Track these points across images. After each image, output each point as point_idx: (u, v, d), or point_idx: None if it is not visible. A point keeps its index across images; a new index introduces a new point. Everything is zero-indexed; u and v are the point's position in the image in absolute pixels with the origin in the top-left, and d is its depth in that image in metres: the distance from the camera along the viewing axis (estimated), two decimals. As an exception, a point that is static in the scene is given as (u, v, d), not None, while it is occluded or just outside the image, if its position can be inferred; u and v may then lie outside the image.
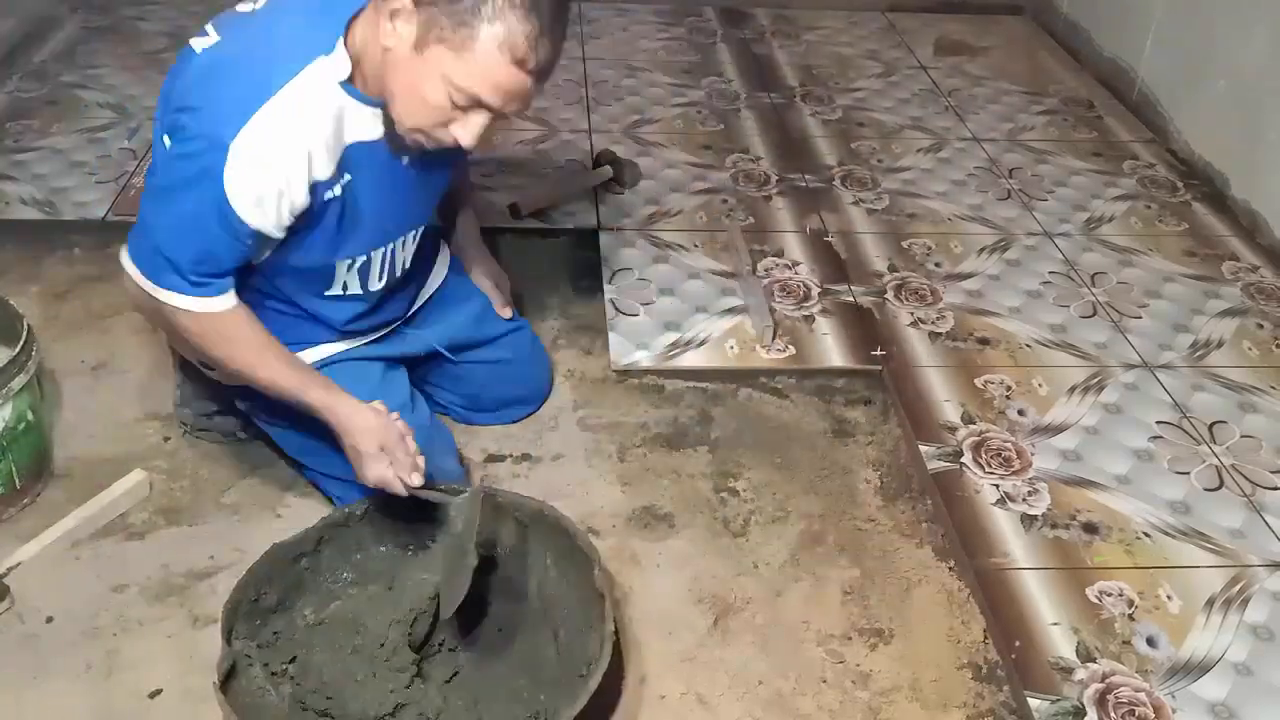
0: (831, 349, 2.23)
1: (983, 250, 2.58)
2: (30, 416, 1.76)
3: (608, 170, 2.73)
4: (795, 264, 2.49)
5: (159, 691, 1.53)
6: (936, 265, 2.51)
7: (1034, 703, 1.56)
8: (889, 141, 3.06)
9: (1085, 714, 1.55)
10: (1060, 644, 1.64)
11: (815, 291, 2.40)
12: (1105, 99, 3.35)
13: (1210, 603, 1.71)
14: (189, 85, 1.45)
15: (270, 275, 1.60)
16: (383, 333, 1.82)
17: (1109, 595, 1.72)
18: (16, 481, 1.77)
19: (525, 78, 1.40)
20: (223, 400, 1.90)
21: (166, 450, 1.93)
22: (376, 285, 1.70)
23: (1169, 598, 1.72)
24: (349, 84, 1.45)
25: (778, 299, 2.36)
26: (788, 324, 2.29)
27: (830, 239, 2.59)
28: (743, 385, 2.15)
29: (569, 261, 2.48)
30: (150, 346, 2.12)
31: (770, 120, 3.15)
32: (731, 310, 2.32)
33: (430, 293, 1.90)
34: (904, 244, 2.59)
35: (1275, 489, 1.93)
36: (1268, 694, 1.58)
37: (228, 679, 1.37)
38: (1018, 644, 1.64)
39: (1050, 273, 2.50)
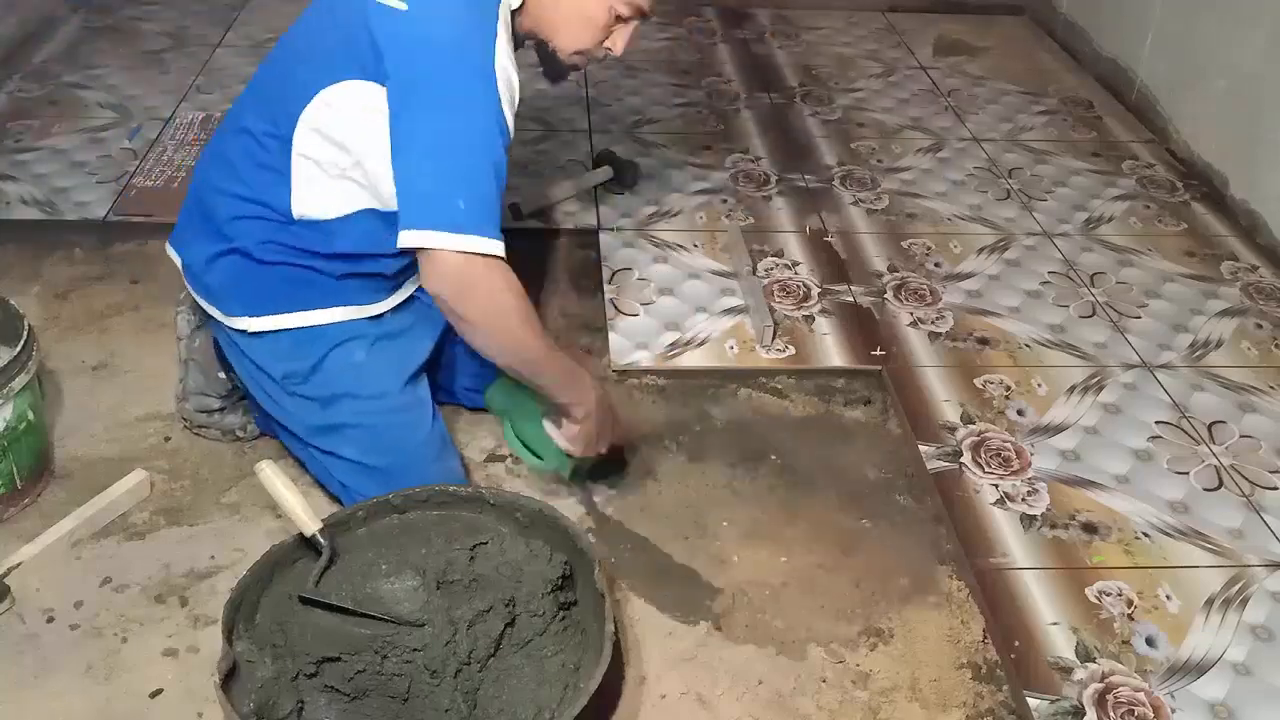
0: (831, 349, 2.23)
1: (982, 250, 2.58)
2: (31, 416, 1.76)
3: (608, 170, 2.73)
4: (795, 264, 2.49)
5: (160, 691, 1.53)
6: (936, 265, 2.52)
7: (1033, 702, 1.56)
8: (889, 142, 3.06)
9: (1084, 714, 1.55)
10: (1059, 644, 1.64)
11: (815, 291, 2.40)
12: (1104, 99, 3.35)
13: (1209, 603, 1.72)
14: (419, 28, 1.50)
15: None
16: (407, 293, 1.83)
17: (1108, 595, 1.72)
18: (17, 481, 1.77)
19: None
20: (226, 397, 1.91)
21: (167, 450, 1.93)
22: None
23: (1168, 598, 1.72)
24: (517, 14, 1.61)
25: (777, 299, 2.36)
26: (787, 324, 2.29)
27: (830, 239, 2.59)
28: (743, 385, 2.15)
29: (569, 261, 2.48)
30: (151, 346, 2.12)
31: (770, 120, 3.15)
32: (731, 310, 2.32)
33: None
34: (904, 244, 2.59)
35: (1274, 489, 1.94)
36: (1267, 694, 1.58)
37: (228, 678, 1.37)
38: (1017, 644, 1.64)
39: (1050, 273, 2.51)
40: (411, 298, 1.85)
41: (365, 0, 1.52)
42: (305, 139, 1.60)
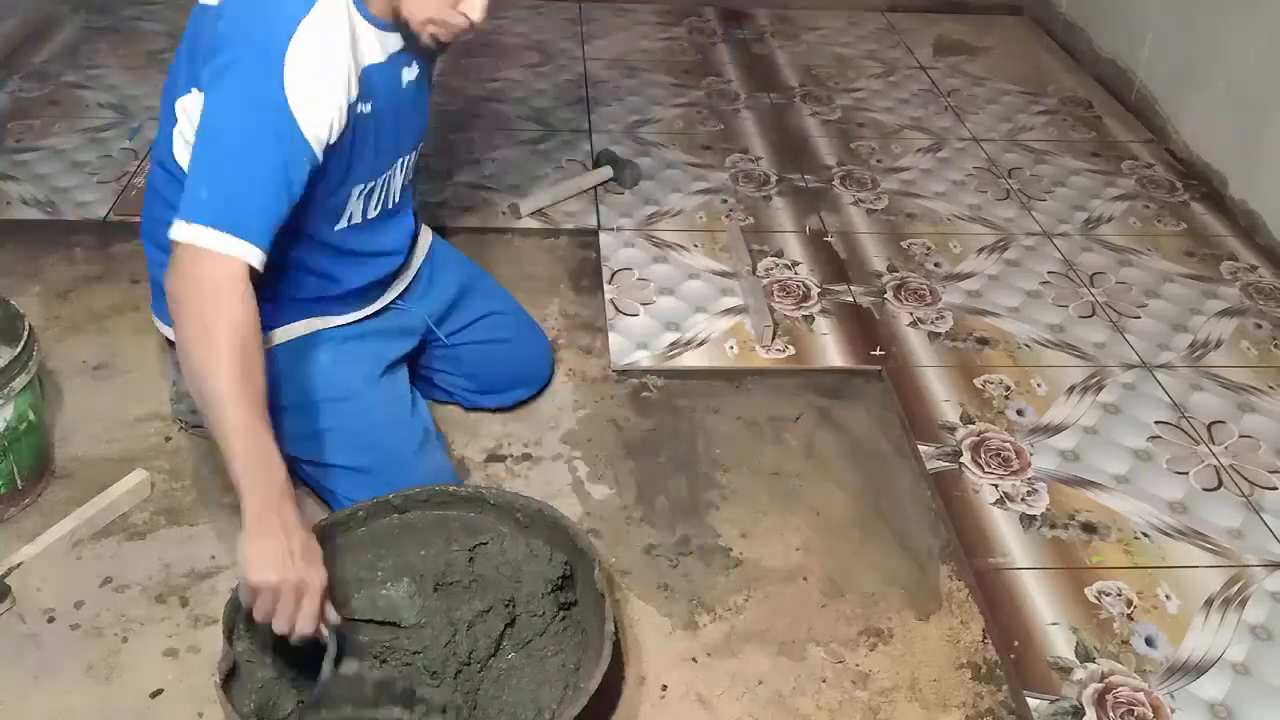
0: (831, 349, 2.24)
1: (982, 250, 2.58)
2: (31, 416, 1.76)
3: (608, 170, 2.73)
4: (795, 264, 2.49)
5: (160, 691, 1.53)
6: (936, 265, 2.52)
7: (1033, 702, 1.56)
8: (888, 141, 3.06)
9: (1084, 714, 1.55)
10: (1059, 644, 1.65)
11: (815, 291, 2.40)
12: (1104, 99, 3.35)
13: (1209, 603, 1.72)
14: (224, 24, 1.44)
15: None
16: (380, 304, 1.82)
17: (1108, 595, 1.73)
18: (18, 481, 1.77)
19: None
20: None
21: (168, 450, 1.93)
22: (373, 213, 1.70)
23: (1167, 597, 1.73)
24: (360, 4, 1.49)
25: (777, 299, 2.36)
26: (787, 324, 2.29)
27: (830, 239, 2.60)
28: (742, 385, 2.15)
29: (569, 261, 2.49)
30: (151, 346, 2.13)
31: (770, 120, 3.15)
32: (731, 310, 2.32)
33: (420, 259, 1.91)
34: (903, 244, 2.59)
35: (1273, 489, 1.94)
36: (1266, 694, 1.58)
37: (229, 678, 1.37)
38: (1016, 644, 1.64)
39: (1049, 273, 2.51)
40: (388, 306, 1.84)
41: (195, 8, 1.53)
42: (181, 157, 1.59)
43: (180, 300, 1.37)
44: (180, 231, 1.37)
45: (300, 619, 1.30)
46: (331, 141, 1.48)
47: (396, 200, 1.76)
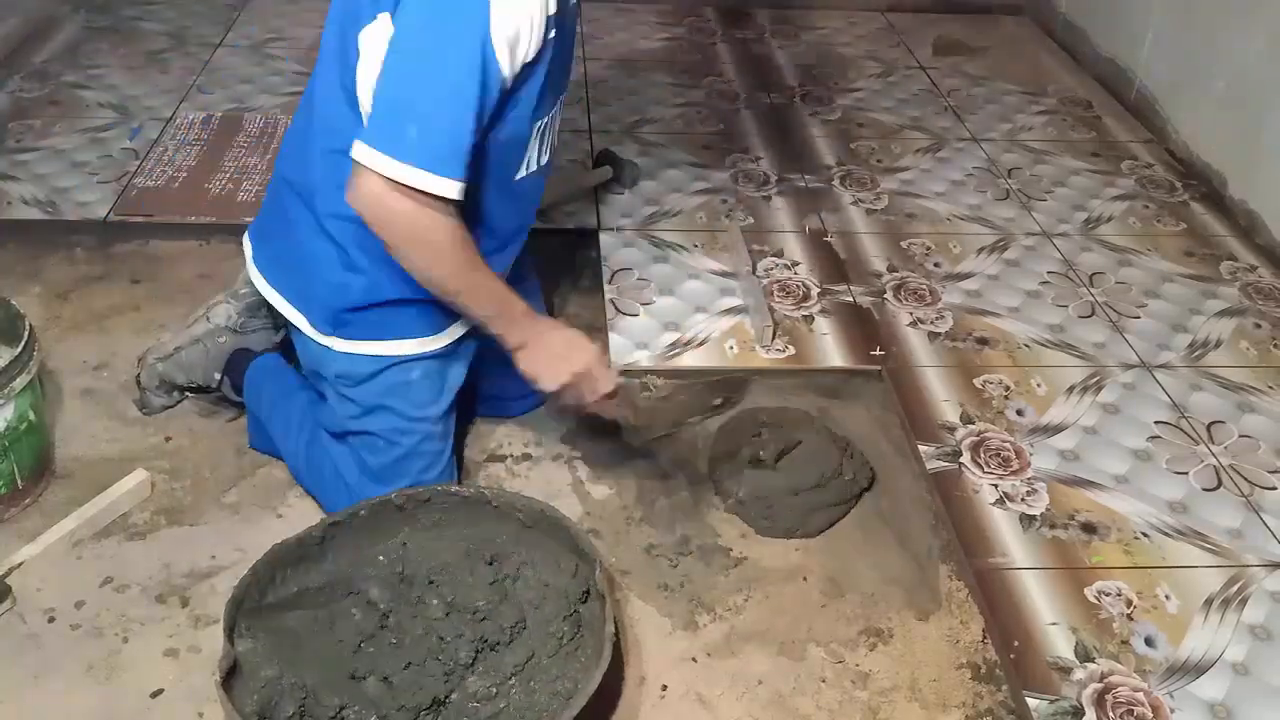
0: (831, 349, 2.24)
1: (981, 250, 2.58)
2: (32, 416, 1.77)
3: (608, 170, 2.73)
4: (795, 264, 2.49)
5: (160, 691, 1.53)
6: (935, 265, 2.52)
7: (1032, 702, 1.56)
8: (888, 142, 3.06)
9: (1084, 714, 1.55)
10: (1059, 644, 1.65)
11: (815, 291, 2.40)
12: (1103, 99, 3.35)
13: (1208, 602, 1.72)
14: None
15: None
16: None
17: (1107, 595, 1.73)
18: (18, 481, 1.77)
19: None
20: (193, 389, 1.97)
21: (168, 450, 1.93)
22: (544, 159, 1.68)
23: (1167, 597, 1.73)
24: None
25: (777, 299, 2.36)
26: (787, 324, 2.29)
27: (830, 239, 2.60)
28: (742, 385, 2.15)
29: (569, 261, 2.49)
30: (157, 340, 2.13)
31: (770, 120, 3.15)
32: (731, 310, 2.32)
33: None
34: (903, 244, 2.60)
35: (1273, 489, 1.94)
36: (1266, 694, 1.59)
37: (229, 677, 1.37)
38: (1016, 644, 1.64)
39: (1049, 273, 2.51)
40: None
41: None
42: (366, 93, 1.51)
43: (394, 229, 1.45)
44: (385, 166, 1.39)
45: (601, 388, 1.66)
46: (527, 60, 1.45)
47: (549, 154, 1.71)
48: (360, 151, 1.40)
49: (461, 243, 1.49)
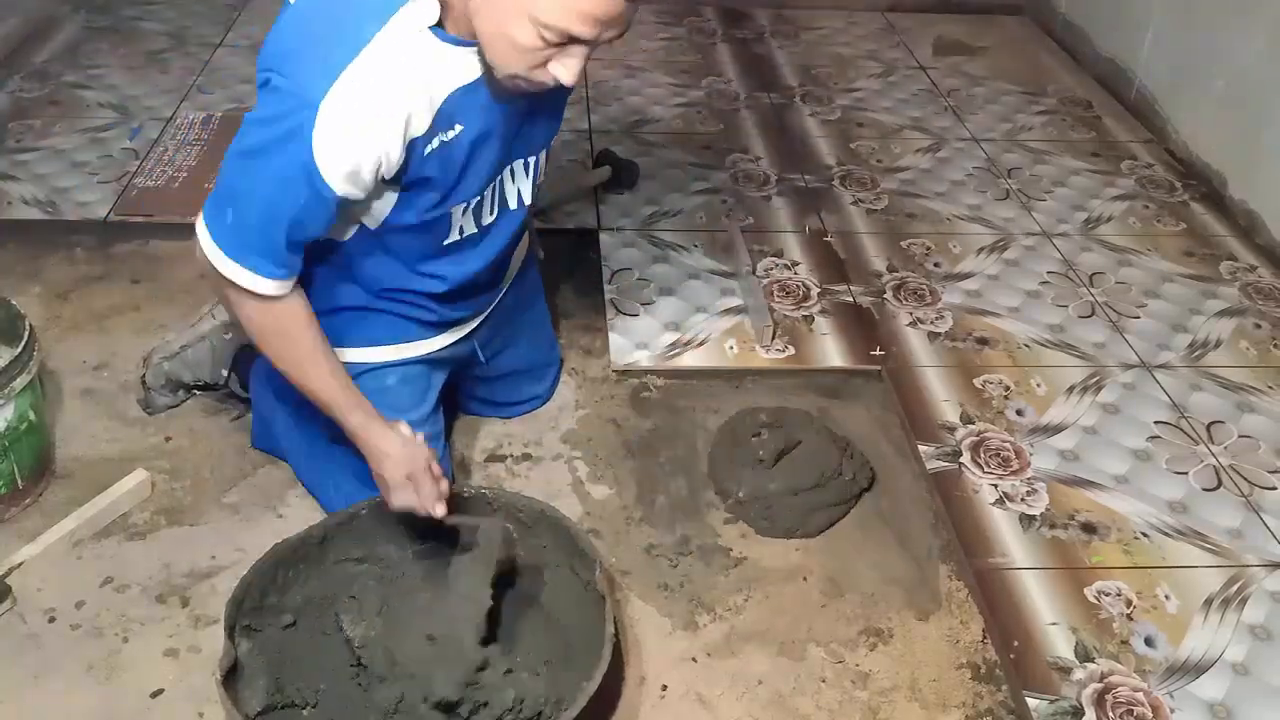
0: (831, 349, 2.24)
1: (981, 250, 2.58)
2: (32, 416, 1.77)
3: (608, 170, 2.73)
4: (795, 264, 2.49)
5: (160, 691, 1.53)
6: (935, 265, 2.52)
7: (1032, 702, 1.56)
8: (888, 142, 3.06)
9: (1083, 714, 1.55)
10: (1058, 644, 1.65)
11: (814, 291, 2.40)
12: (1104, 99, 3.35)
13: (1208, 602, 1.72)
14: (278, 38, 1.37)
15: (384, 241, 1.56)
16: (463, 332, 1.80)
17: (1107, 595, 1.73)
18: (18, 481, 1.77)
19: (618, 1, 1.26)
20: (199, 386, 1.97)
21: (168, 450, 1.93)
22: (488, 219, 1.65)
23: (1167, 597, 1.73)
24: (439, 28, 1.38)
25: (777, 299, 2.36)
26: (787, 324, 2.29)
27: (829, 239, 2.60)
28: (742, 385, 2.15)
29: (569, 261, 2.49)
30: (162, 340, 2.13)
31: (770, 120, 3.15)
32: (731, 310, 2.32)
33: (509, 281, 1.88)
34: (903, 244, 2.60)
35: (1273, 489, 1.94)
36: (1265, 694, 1.59)
37: (229, 675, 1.37)
38: (1016, 644, 1.64)
39: (1049, 273, 2.51)
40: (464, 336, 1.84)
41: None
42: None
43: (222, 297, 1.48)
44: (206, 244, 1.42)
45: (435, 496, 1.53)
46: (387, 178, 1.43)
47: (520, 200, 1.68)
48: (200, 216, 1.43)
49: (277, 332, 1.48)
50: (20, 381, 1.71)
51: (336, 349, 1.57)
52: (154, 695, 1.53)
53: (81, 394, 2.04)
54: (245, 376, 1.92)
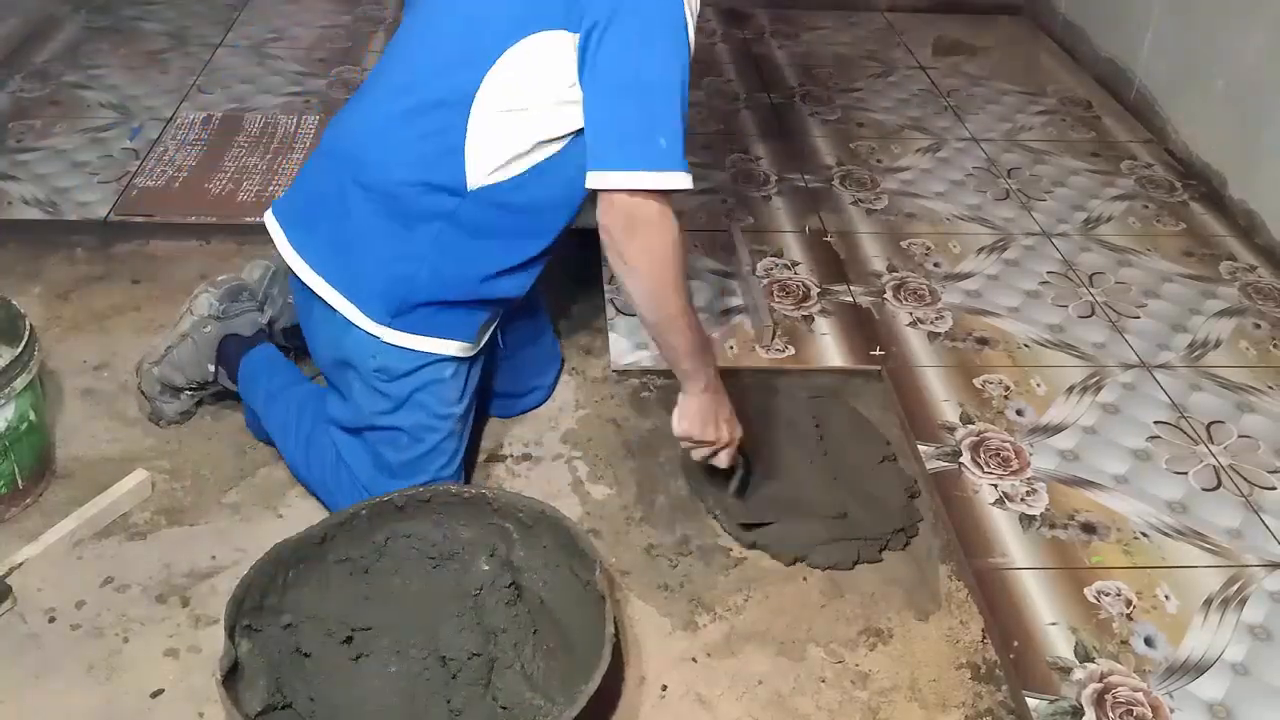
0: (830, 349, 2.24)
1: (981, 250, 2.59)
2: (32, 416, 1.77)
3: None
4: (794, 264, 2.50)
5: (160, 691, 1.54)
6: (935, 265, 2.52)
7: (1032, 702, 1.56)
8: (888, 142, 3.07)
9: (1083, 714, 1.55)
10: (1058, 644, 1.65)
11: (814, 291, 2.40)
12: (1103, 99, 3.35)
13: (1208, 603, 1.72)
14: None
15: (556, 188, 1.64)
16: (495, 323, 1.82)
17: (1107, 595, 1.73)
18: (19, 481, 1.77)
19: None
20: (193, 388, 1.95)
21: (168, 450, 1.94)
22: None
23: (1167, 597, 1.73)
24: None
25: (777, 299, 2.37)
26: (787, 324, 2.30)
27: (829, 239, 2.60)
28: (742, 385, 2.15)
29: (569, 261, 2.47)
30: (151, 346, 2.13)
31: (770, 120, 3.15)
32: (731, 310, 2.33)
33: None
34: (903, 244, 2.60)
35: (1273, 489, 1.94)
36: (1265, 694, 1.59)
37: (230, 675, 1.37)
38: (1016, 644, 1.65)
39: (1048, 273, 2.51)
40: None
41: None
42: (487, 100, 1.54)
43: (632, 240, 1.51)
44: (644, 180, 1.47)
45: (718, 460, 1.73)
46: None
47: None
48: (619, 178, 1.47)
49: (683, 255, 1.55)
50: (21, 381, 1.71)
51: (420, 337, 1.65)
52: (154, 695, 1.53)
53: (82, 394, 2.04)
54: (233, 369, 1.92)
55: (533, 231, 1.68)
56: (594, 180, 1.48)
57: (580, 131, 1.55)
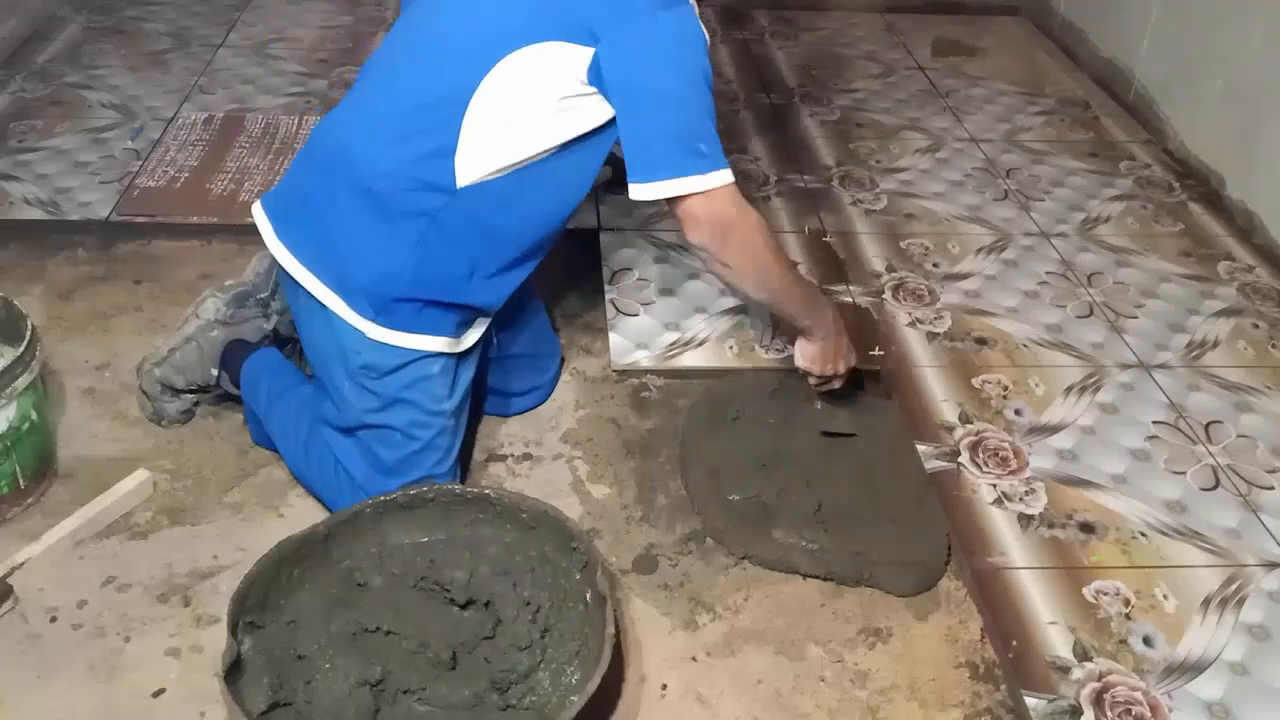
0: (830, 349, 2.24)
1: (980, 250, 2.59)
2: (34, 416, 1.77)
3: (608, 170, 2.72)
4: (794, 264, 2.50)
5: (162, 691, 1.54)
6: (934, 265, 2.52)
7: (1031, 702, 1.57)
8: (887, 142, 3.07)
9: (1082, 713, 1.56)
10: (1057, 643, 1.65)
11: (814, 292, 2.41)
12: (1102, 99, 3.36)
13: (1206, 602, 1.73)
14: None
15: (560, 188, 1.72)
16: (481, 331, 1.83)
17: (1105, 595, 1.73)
18: (20, 481, 1.78)
19: None
20: (193, 390, 1.96)
21: (170, 450, 1.94)
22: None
23: (1165, 597, 1.73)
24: None
25: (777, 299, 2.37)
26: (787, 324, 2.30)
27: (829, 239, 2.60)
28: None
29: (569, 261, 2.49)
30: (154, 346, 2.13)
31: (769, 120, 3.16)
32: (731, 310, 2.33)
33: None
34: (902, 244, 2.60)
35: (1271, 489, 1.94)
36: (1264, 693, 1.59)
37: (232, 672, 1.37)
38: (1015, 643, 1.65)
39: (1047, 273, 2.51)
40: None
41: None
42: (482, 103, 1.55)
43: (729, 246, 1.59)
44: (699, 183, 1.54)
45: (830, 386, 1.89)
46: None
47: None
48: (670, 186, 1.54)
49: (769, 229, 1.64)
50: (22, 381, 1.72)
51: (404, 334, 1.66)
52: (156, 695, 1.53)
53: (83, 394, 2.05)
54: (235, 374, 1.92)
55: (516, 236, 1.71)
56: (651, 191, 1.55)
57: (570, 141, 1.60)
